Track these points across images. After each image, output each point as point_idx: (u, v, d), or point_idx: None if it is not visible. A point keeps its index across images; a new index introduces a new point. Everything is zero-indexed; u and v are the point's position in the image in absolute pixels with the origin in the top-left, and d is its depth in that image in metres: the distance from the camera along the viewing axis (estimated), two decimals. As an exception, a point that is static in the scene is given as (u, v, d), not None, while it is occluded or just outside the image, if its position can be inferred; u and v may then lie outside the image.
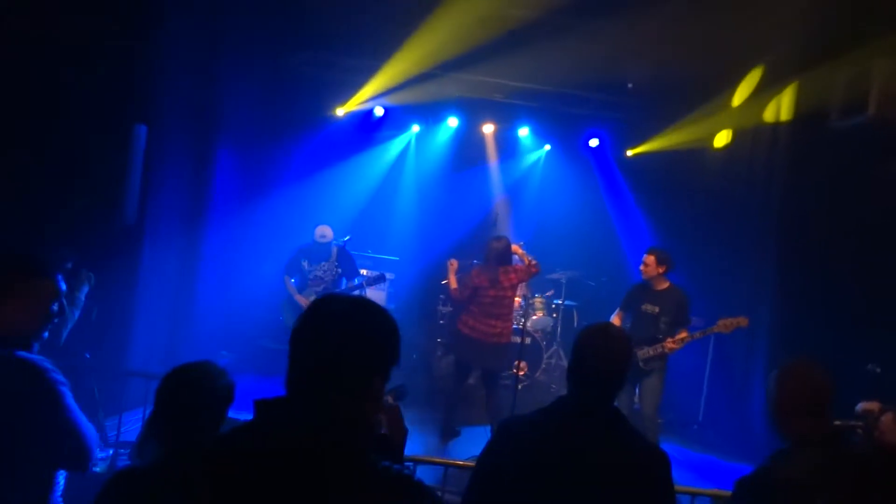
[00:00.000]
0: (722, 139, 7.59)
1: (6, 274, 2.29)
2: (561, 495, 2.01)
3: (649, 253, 5.66)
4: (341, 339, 1.43)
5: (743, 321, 5.41)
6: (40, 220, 4.80)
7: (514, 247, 6.11)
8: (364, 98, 8.06)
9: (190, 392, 1.90)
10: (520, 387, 6.86)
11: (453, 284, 5.98)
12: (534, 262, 6.02)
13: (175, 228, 6.25)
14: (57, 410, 2.15)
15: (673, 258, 5.63)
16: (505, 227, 8.93)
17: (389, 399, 3.16)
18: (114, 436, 4.76)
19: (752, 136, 7.07)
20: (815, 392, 2.17)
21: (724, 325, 5.39)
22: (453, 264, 6.04)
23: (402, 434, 1.82)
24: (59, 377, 2.20)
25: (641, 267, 5.65)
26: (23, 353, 2.21)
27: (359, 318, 1.47)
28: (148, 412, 2.51)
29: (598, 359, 2.16)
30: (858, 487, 1.82)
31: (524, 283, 7.17)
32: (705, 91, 7.25)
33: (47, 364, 2.20)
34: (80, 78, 4.97)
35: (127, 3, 5.09)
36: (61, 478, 2.29)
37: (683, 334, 5.46)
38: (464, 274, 6.10)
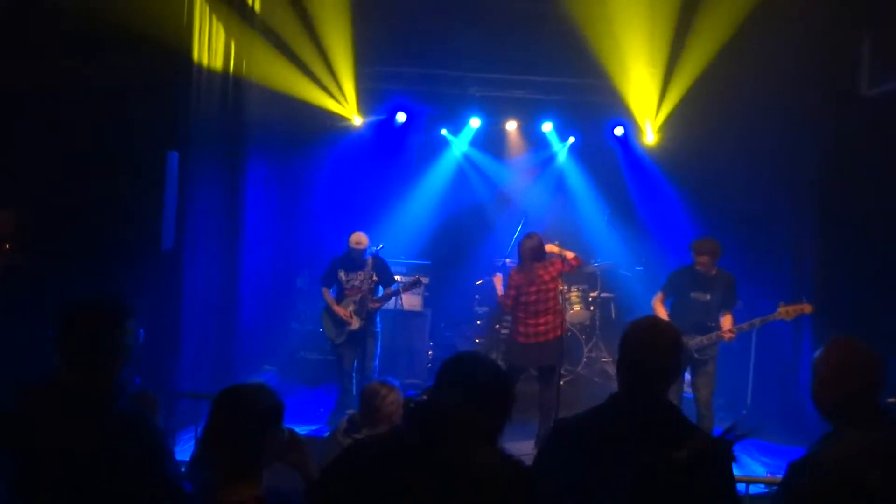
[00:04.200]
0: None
1: (117, 321, 2.16)
2: (619, 495, 2.00)
3: (701, 253, 5.39)
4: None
5: (807, 307, 5.12)
6: (81, 252, 4.93)
7: (550, 246, 6.08)
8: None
9: (238, 413, 1.93)
10: (562, 382, 6.83)
11: (500, 293, 6.05)
12: (573, 255, 6.00)
13: (213, 249, 6.37)
14: (166, 469, 2.10)
15: (721, 244, 5.49)
16: (535, 223, 8.89)
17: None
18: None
19: (783, 110, 6.88)
20: (861, 371, 2.11)
21: (786, 311, 5.13)
22: (498, 279, 6.13)
23: None
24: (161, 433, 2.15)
25: (699, 267, 5.44)
26: (126, 409, 2.14)
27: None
28: (199, 431, 2.56)
29: (647, 354, 2.13)
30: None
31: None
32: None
33: (150, 419, 2.14)
34: (112, 108, 5.10)
35: (157, 33, 5.19)
36: None
37: (729, 323, 5.34)
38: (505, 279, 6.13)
